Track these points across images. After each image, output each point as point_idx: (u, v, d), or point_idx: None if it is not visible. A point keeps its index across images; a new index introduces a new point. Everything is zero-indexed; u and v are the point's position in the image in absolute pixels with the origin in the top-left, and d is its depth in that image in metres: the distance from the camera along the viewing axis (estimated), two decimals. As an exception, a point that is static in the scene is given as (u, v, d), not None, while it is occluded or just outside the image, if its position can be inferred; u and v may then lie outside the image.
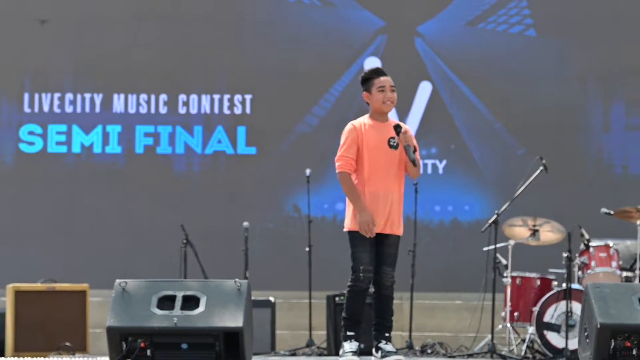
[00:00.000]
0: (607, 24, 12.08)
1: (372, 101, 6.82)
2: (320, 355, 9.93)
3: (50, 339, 9.10)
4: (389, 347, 6.71)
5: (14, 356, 8.99)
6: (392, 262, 6.82)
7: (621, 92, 12.07)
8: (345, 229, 6.86)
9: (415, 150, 6.71)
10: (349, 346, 6.70)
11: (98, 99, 12.24)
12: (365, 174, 6.71)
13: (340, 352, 6.75)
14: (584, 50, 12.07)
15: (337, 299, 9.90)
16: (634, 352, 5.73)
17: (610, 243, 9.65)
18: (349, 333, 6.74)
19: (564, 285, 9.27)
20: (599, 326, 5.72)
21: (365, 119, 6.84)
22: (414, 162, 6.66)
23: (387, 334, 6.77)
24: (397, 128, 6.72)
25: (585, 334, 5.95)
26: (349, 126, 6.83)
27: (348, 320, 6.77)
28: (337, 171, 6.82)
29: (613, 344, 5.75)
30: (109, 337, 5.89)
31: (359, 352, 6.74)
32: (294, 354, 9.96)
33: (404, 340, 10.23)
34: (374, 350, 6.79)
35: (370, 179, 6.70)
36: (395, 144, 6.70)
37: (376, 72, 6.85)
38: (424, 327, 10.88)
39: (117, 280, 6.06)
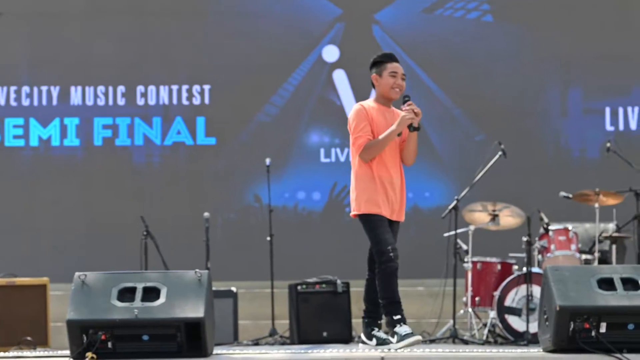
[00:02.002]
0: (563, 9, 12.15)
1: (380, 85, 6.64)
2: (283, 344, 9.93)
3: (10, 333, 9.03)
4: (384, 335, 6.52)
5: (-26, 352, 8.93)
6: None
7: (578, 76, 12.15)
8: (356, 213, 6.55)
9: (418, 128, 6.55)
10: (404, 329, 6.36)
11: (55, 91, 12.15)
12: (376, 159, 6.54)
13: (395, 338, 6.37)
14: (540, 35, 12.14)
15: (299, 287, 9.90)
16: (593, 333, 5.77)
17: (569, 226, 9.73)
18: (395, 317, 6.40)
19: (524, 269, 9.33)
20: (558, 308, 5.75)
21: (370, 102, 6.67)
22: (414, 128, 6.49)
23: (379, 321, 6.60)
24: (406, 97, 6.60)
25: (545, 316, 5.98)
26: (357, 107, 6.63)
27: (392, 304, 6.42)
28: (358, 154, 6.52)
29: (572, 326, 5.77)
30: (69, 330, 5.85)
31: None
32: (256, 344, 9.96)
33: (367, 327, 10.25)
34: (364, 337, 6.59)
35: (380, 165, 6.54)
36: (410, 127, 6.53)
37: (390, 57, 6.69)
38: (386, 313, 10.90)
39: (77, 273, 6.03)
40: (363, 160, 6.55)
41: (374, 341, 6.55)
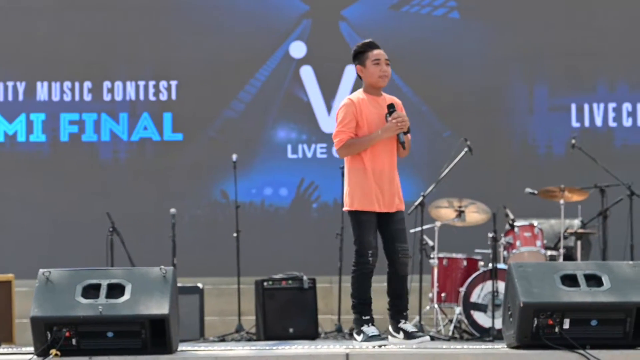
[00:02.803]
0: (529, 5, 12.21)
1: (366, 75, 6.55)
2: (249, 340, 9.93)
3: (-25, 330, 9.00)
4: (411, 327, 6.49)
5: (-62, 349, 8.87)
6: (405, 238, 6.56)
7: (544, 73, 12.20)
8: (347, 209, 6.50)
9: (407, 132, 6.50)
10: (372, 330, 6.41)
11: (21, 87, 12.08)
12: (368, 150, 6.45)
13: (361, 337, 6.41)
14: (507, 32, 12.19)
15: (265, 284, 9.91)
16: (556, 329, 5.80)
17: (535, 222, 9.78)
18: (365, 317, 6.43)
19: (489, 265, 9.38)
20: (521, 305, 5.78)
21: (359, 94, 6.56)
22: (403, 145, 6.48)
23: (405, 313, 6.53)
24: (391, 107, 6.51)
25: (509, 312, 6.01)
26: (346, 101, 6.53)
27: (361, 305, 6.45)
28: (336, 148, 6.49)
29: (536, 322, 5.81)
30: (33, 327, 5.83)
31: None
32: (223, 340, 9.96)
33: (334, 323, 10.28)
34: (392, 330, 6.52)
35: (373, 156, 6.45)
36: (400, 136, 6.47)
37: (369, 45, 6.58)
38: (353, 310, 10.91)
39: (41, 270, 6.00)
40: (339, 155, 6.53)
41: (401, 334, 6.48)
